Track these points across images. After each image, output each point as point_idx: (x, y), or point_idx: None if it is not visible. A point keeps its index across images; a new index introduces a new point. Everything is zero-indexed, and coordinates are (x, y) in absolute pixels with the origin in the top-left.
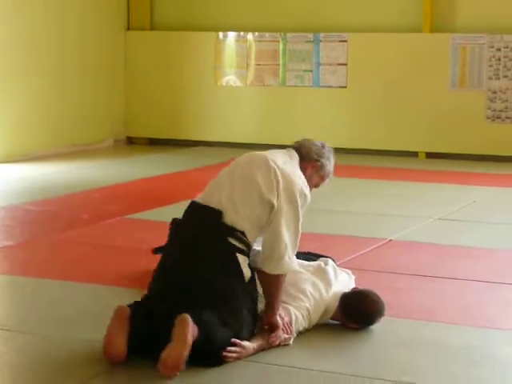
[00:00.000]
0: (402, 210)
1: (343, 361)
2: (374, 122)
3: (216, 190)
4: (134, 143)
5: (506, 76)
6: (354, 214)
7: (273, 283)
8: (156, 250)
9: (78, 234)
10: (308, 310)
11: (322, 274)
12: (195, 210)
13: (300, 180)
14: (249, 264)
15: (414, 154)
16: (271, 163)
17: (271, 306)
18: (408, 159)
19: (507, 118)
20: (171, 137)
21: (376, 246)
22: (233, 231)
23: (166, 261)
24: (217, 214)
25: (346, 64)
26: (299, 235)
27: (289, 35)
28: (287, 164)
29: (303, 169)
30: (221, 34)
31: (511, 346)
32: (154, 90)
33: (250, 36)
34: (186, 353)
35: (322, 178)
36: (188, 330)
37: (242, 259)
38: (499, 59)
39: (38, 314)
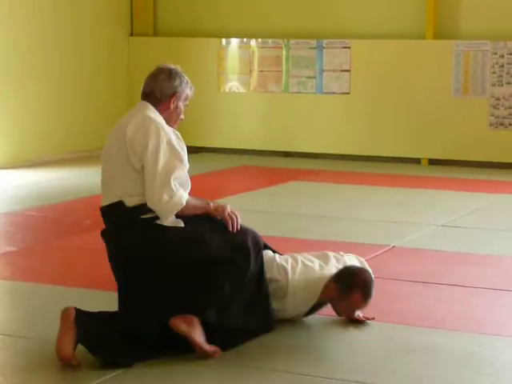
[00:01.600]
0: (405, 216)
1: (345, 367)
2: (377, 129)
3: (105, 185)
4: None
5: (509, 83)
6: (356, 220)
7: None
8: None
9: (81, 240)
10: (294, 264)
11: (323, 257)
12: (105, 214)
13: (152, 124)
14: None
15: (417, 161)
16: (123, 132)
17: (203, 209)
18: (411, 166)
19: (510, 124)
20: None
21: (379, 252)
22: (139, 208)
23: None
24: (120, 205)
25: (349, 70)
26: (176, 163)
27: (292, 41)
28: (137, 119)
29: (166, 108)
30: (224, 41)
31: None
32: None
33: (253, 42)
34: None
35: (187, 99)
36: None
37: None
38: (502, 66)
39: (39, 319)
